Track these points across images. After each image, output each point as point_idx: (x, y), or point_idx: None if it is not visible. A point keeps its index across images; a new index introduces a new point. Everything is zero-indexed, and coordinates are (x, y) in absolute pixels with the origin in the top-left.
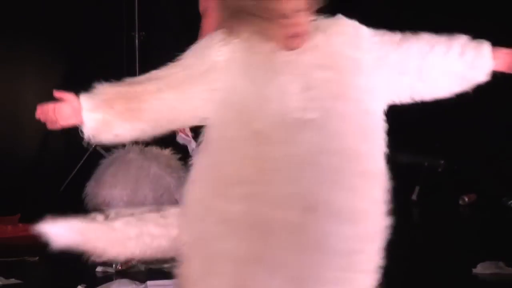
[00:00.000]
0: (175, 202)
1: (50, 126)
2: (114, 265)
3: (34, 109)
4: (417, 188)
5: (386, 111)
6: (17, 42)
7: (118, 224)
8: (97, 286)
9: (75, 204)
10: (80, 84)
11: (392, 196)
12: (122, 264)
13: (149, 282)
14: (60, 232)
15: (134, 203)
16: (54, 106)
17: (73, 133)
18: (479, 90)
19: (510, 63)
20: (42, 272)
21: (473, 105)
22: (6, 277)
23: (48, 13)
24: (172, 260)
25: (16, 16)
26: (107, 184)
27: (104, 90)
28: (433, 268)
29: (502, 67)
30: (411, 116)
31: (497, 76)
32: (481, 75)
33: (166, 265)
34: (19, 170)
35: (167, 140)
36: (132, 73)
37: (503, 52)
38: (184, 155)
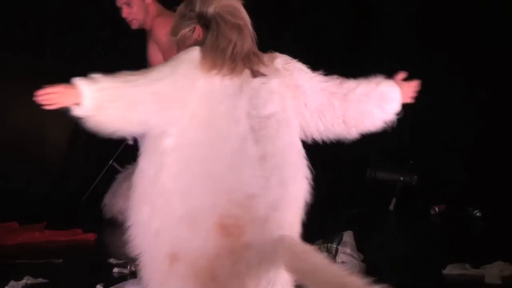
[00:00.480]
0: None
1: (48, 107)
2: (128, 266)
3: (59, 125)
4: (394, 200)
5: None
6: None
7: None
8: (113, 285)
9: (95, 213)
10: None
11: (372, 206)
12: (135, 265)
13: None
14: None
15: None
16: (57, 88)
17: (93, 149)
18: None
19: (409, 94)
20: (65, 273)
21: (441, 127)
22: (35, 277)
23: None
24: None
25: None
26: (122, 196)
27: (102, 80)
28: (408, 269)
29: (404, 99)
30: (390, 140)
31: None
32: (394, 108)
33: None
34: (46, 182)
35: None
36: None
37: (404, 85)
38: None
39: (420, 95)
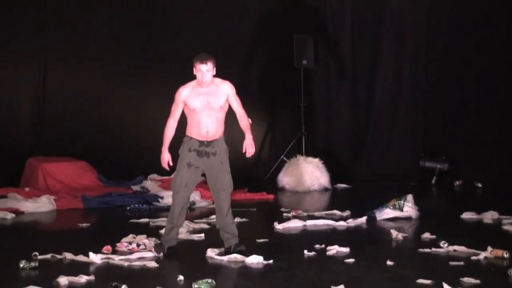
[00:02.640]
0: None
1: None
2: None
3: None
4: (434, 178)
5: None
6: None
7: None
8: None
9: (274, 183)
10: None
11: (423, 181)
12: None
13: None
14: None
15: None
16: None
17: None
18: None
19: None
20: (257, 216)
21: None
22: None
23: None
24: None
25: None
26: (287, 175)
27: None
28: (440, 214)
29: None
30: (433, 144)
31: None
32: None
33: None
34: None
35: None
36: None
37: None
38: None
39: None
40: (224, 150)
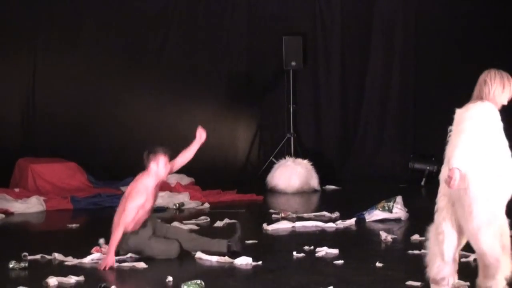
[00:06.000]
0: None
1: None
2: (281, 214)
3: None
4: (423, 179)
5: None
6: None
7: None
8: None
9: (263, 183)
10: None
11: (412, 183)
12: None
13: None
14: None
15: None
16: None
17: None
18: None
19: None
20: (247, 217)
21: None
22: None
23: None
24: None
25: None
26: (275, 178)
27: None
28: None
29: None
30: (422, 148)
31: None
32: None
33: None
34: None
35: None
36: None
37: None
38: None
39: None
40: None
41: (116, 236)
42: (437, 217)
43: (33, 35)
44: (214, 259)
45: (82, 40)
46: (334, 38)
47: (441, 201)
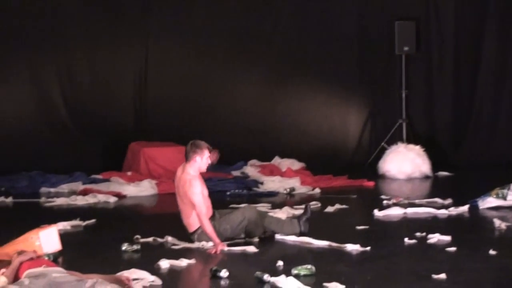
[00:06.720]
0: None
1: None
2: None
3: None
4: None
5: None
6: None
7: None
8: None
9: (374, 170)
10: None
11: None
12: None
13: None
14: None
15: None
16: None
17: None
18: None
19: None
20: (357, 202)
21: None
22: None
23: None
24: None
25: None
26: (386, 163)
27: None
28: None
29: None
30: None
31: None
32: None
33: None
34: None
35: None
36: None
37: None
38: None
39: None
40: None
41: (207, 225)
42: None
43: (146, 20)
44: (325, 243)
45: (195, 25)
46: (448, 22)
47: None
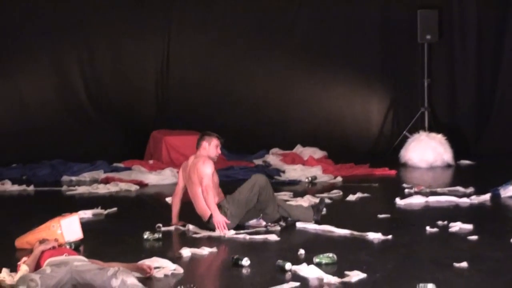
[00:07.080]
0: None
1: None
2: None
3: None
4: None
5: None
6: None
7: None
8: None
9: (396, 158)
10: None
11: None
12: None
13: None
14: None
15: None
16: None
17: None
18: None
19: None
20: (379, 190)
21: None
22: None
23: None
24: None
25: None
26: (408, 151)
27: None
28: None
29: None
30: None
31: None
32: None
33: None
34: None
35: None
36: None
37: None
38: None
39: None
40: None
41: (210, 198)
42: None
43: (168, 11)
44: (346, 231)
45: (215, 16)
46: (470, 11)
47: None
